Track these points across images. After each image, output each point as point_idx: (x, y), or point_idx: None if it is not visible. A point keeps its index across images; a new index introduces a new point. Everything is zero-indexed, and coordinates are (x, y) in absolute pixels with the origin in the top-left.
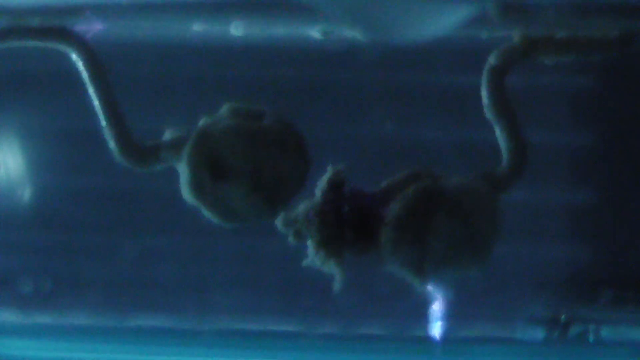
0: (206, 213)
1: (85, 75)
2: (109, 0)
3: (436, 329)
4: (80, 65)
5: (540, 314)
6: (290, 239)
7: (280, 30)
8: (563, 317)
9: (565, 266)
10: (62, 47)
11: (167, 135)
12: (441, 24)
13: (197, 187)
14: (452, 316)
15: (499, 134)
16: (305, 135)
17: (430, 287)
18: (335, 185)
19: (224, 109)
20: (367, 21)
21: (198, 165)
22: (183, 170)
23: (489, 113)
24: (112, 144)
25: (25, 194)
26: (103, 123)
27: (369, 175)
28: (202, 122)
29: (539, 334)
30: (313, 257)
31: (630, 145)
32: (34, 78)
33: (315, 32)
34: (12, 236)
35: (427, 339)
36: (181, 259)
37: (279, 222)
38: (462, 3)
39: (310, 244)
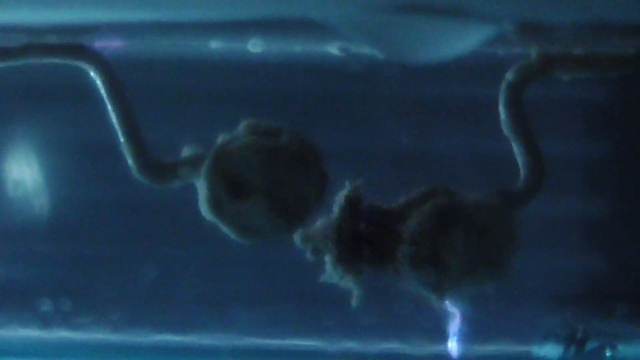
0: (224, 230)
1: (103, 92)
2: (127, 18)
3: (453, 345)
4: (98, 82)
5: (556, 329)
6: (308, 255)
7: (298, 46)
8: (580, 332)
9: (581, 280)
10: (81, 64)
11: (186, 152)
12: (459, 44)
13: (216, 204)
14: (468, 332)
15: (516, 150)
16: (323, 150)
17: (447, 304)
18: (352, 202)
19: (242, 126)
20: (385, 41)
21: (216, 183)
22: (201, 187)
23: (506, 129)
24: (130, 161)
25: (44, 206)
26: (121, 140)
27: (387, 191)
28: (220, 139)
29: (555, 349)
30: (331, 273)
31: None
32: (52, 90)
33: (333, 49)
34: (30, 249)
35: (445, 357)
36: (200, 273)
37: (297, 238)
38: (480, 24)
39: (328, 260)
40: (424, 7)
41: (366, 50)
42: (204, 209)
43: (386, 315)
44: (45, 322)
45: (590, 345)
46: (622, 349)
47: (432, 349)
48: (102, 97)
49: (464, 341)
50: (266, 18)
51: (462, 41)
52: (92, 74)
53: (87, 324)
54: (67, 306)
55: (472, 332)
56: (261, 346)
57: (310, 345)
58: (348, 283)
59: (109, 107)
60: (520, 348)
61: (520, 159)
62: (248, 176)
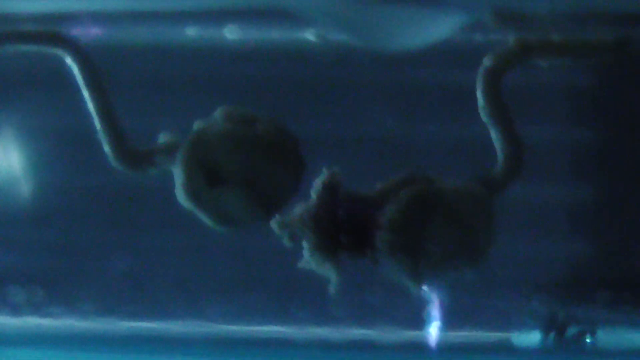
0: (201, 217)
1: (80, 80)
2: (104, 6)
3: (431, 332)
4: (75, 70)
5: (536, 316)
6: (286, 242)
7: (274, 33)
8: (560, 318)
9: (563, 266)
10: (58, 52)
11: (162, 139)
12: (435, 31)
13: (192, 191)
14: (446, 317)
15: (494, 136)
16: (301, 137)
17: (425, 290)
18: (330, 188)
19: (218, 113)
20: (360, 30)
21: (192, 170)
22: (177, 174)
23: (484, 115)
24: (107, 148)
25: (24, 192)
26: (98, 127)
27: (366, 176)
28: (196, 126)
29: (535, 336)
30: (308, 259)
31: (630, 144)
32: (34, 76)
33: (309, 35)
34: (9, 235)
35: (423, 344)
36: (179, 260)
37: (274, 225)
38: (456, 11)
39: (305, 246)
40: None
41: (342, 36)
42: (181, 197)
43: (362, 303)
44: (18, 309)
45: (570, 331)
46: (603, 335)
47: (409, 335)
48: (79, 85)
49: (442, 328)
50: (242, 6)
51: (437, 28)
52: (68, 61)
53: (61, 312)
54: (41, 294)
55: (451, 319)
56: (236, 334)
57: (288, 332)
58: (326, 270)
59: (86, 94)
60: (500, 335)
61: (498, 145)
62: (224, 163)
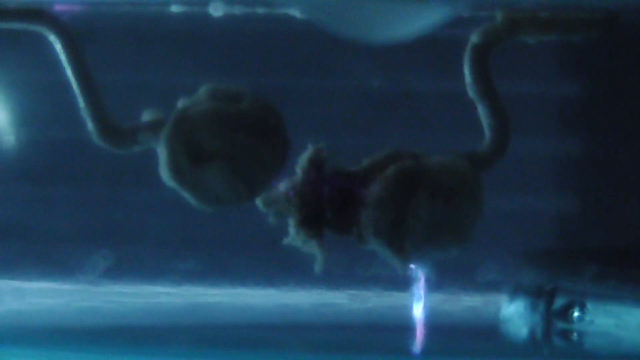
0: (185, 196)
1: (63, 57)
2: None
3: (416, 308)
4: (57, 48)
5: (525, 285)
6: (271, 219)
7: (260, 9)
8: (548, 288)
9: (551, 232)
10: (40, 29)
11: (146, 116)
12: (422, 23)
13: (176, 170)
14: (431, 291)
15: (481, 112)
16: (287, 112)
17: (411, 268)
18: (315, 165)
19: (202, 91)
20: (344, 20)
21: (176, 148)
22: (162, 152)
23: (471, 91)
24: (90, 126)
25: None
26: (81, 104)
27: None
28: (180, 103)
29: (522, 308)
30: (294, 237)
31: (619, 106)
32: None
33: (295, 12)
34: None
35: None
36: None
37: (259, 202)
38: (441, 5)
39: (290, 223)
40: None
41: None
42: (165, 175)
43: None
44: None
45: (559, 301)
46: (591, 308)
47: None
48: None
49: (427, 304)
50: None
51: (424, 20)
52: (51, 39)
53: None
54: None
55: (437, 289)
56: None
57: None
58: (311, 247)
59: (69, 72)
60: (488, 304)
61: (485, 122)
62: (208, 141)
